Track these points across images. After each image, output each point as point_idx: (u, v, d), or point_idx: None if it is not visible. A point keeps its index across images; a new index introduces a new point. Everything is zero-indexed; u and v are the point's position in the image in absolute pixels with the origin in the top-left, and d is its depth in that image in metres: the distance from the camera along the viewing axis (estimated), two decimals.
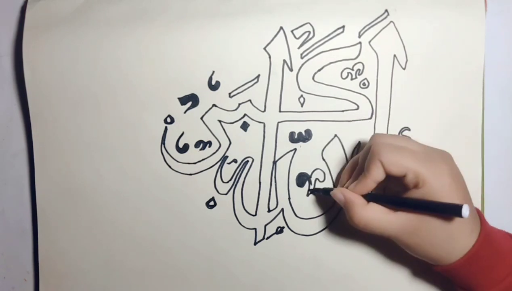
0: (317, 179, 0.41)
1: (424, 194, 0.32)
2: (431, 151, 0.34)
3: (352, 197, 0.35)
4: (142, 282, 0.44)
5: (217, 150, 0.42)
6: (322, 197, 0.41)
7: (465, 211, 0.29)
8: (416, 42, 0.40)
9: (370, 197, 0.35)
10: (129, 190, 0.43)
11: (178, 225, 0.43)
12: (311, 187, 0.41)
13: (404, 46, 0.40)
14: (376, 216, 0.34)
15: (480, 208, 0.40)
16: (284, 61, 0.41)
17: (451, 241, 0.33)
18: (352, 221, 0.35)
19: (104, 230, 0.43)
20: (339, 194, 0.36)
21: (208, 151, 0.42)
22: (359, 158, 0.37)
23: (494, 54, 0.41)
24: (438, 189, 0.32)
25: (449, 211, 0.31)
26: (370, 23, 0.40)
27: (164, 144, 0.42)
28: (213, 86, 0.41)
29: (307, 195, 0.41)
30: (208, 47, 0.41)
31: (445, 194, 0.32)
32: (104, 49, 0.42)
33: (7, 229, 0.47)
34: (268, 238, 0.42)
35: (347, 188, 0.37)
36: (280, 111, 0.41)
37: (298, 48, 0.40)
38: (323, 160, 0.41)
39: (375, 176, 0.34)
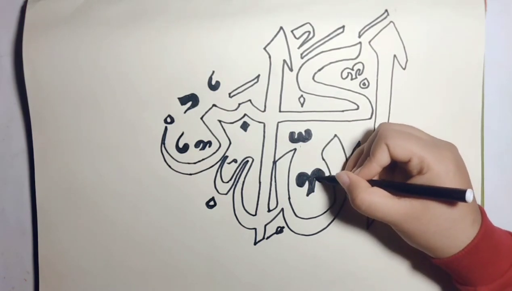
0: (317, 178, 0.41)
1: (428, 179, 0.32)
2: (437, 140, 0.35)
3: (356, 179, 0.35)
4: (142, 282, 0.44)
5: (217, 150, 0.42)
6: (323, 196, 0.41)
7: (469, 195, 0.29)
8: (416, 42, 0.40)
9: (374, 183, 0.35)
10: (129, 190, 0.43)
11: (178, 225, 0.43)
12: (311, 186, 0.41)
13: (404, 46, 0.40)
14: (378, 200, 0.33)
15: None
16: (284, 61, 0.41)
17: (453, 230, 0.33)
18: (354, 203, 0.34)
19: (104, 230, 0.43)
20: (344, 175, 0.36)
21: (208, 150, 0.42)
22: (365, 146, 0.37)
23: (494, 54, 0.41)
24: (442, 175, 0.32)
25: (453, 196, 0.31)
26: (370, 23, 0.40)
27: (164, 144, 0.42)
28: (213, 86, 0.41)
29: (307, 195, 0.42)
30: (208, 47, 0.41)
31: (448, 181, 0.32)
32: (104, 49, 0.42)
33: (7, 229, 0.47)
34: (268, 238, 0.42)
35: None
36: (280, 111, 0.41)
37: (298, 48, 0.40)
38: (323, 159, 0.41)
39: (380, 159, 0.34)
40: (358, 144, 0.41)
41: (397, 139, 0.33)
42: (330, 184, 0.41)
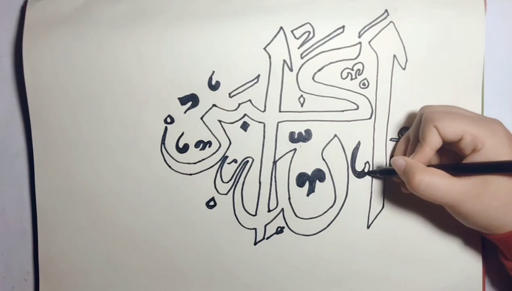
0: (317, 179, 0.41)
1: (484, 155, 0.32)
2: (482, 116, 0.35)
3: (412, 161, 0.34)
4: (142, 282, 0.44)
5: (217, 150, 0.42)
6: (323, 196, 0.41)
7: None
8: (416, 42, 0.40)
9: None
10: (129, 190, 0.43)
11: (178, 225, 0.43)
12: (311, 186, 0.41)
13: (404, 46, 0.40)
14: (438, 179, 0.33)
15: None
16: (284, 61, 0.41)
17: None
18: (411, 184, 0.33)
19: (104, 230, 0.43)
20: (399, 159, 0.35)
21: (208, 151, 0.42)
22: (410, 133, 0.37)
23: (494, 54, 0.41)
24: (497, 148, 0.32)
25: None
26: (370, 23, 0.40)
27: (164, 144, 0.42)
28: (213, 86, 0.41)
29: (307, 195, 0.42)
30: (208, 47, 0.41)
31: (504, 152, 0.32)
32: (104, 49, 0.42)
33: (7, 229, 0.47)
34: (268, 238, 0.42)
35: None
36: (280, 111, 0.41)
37: (298, 48, 0.40)
38: (323, 159, 0.41)
39: (432, 143, 0.34)
40: (358, 144, 0.41)
41: (445, 120, 0.33)
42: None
